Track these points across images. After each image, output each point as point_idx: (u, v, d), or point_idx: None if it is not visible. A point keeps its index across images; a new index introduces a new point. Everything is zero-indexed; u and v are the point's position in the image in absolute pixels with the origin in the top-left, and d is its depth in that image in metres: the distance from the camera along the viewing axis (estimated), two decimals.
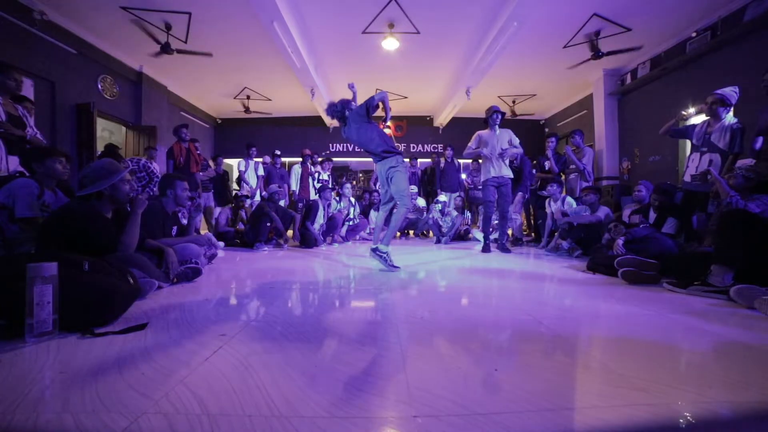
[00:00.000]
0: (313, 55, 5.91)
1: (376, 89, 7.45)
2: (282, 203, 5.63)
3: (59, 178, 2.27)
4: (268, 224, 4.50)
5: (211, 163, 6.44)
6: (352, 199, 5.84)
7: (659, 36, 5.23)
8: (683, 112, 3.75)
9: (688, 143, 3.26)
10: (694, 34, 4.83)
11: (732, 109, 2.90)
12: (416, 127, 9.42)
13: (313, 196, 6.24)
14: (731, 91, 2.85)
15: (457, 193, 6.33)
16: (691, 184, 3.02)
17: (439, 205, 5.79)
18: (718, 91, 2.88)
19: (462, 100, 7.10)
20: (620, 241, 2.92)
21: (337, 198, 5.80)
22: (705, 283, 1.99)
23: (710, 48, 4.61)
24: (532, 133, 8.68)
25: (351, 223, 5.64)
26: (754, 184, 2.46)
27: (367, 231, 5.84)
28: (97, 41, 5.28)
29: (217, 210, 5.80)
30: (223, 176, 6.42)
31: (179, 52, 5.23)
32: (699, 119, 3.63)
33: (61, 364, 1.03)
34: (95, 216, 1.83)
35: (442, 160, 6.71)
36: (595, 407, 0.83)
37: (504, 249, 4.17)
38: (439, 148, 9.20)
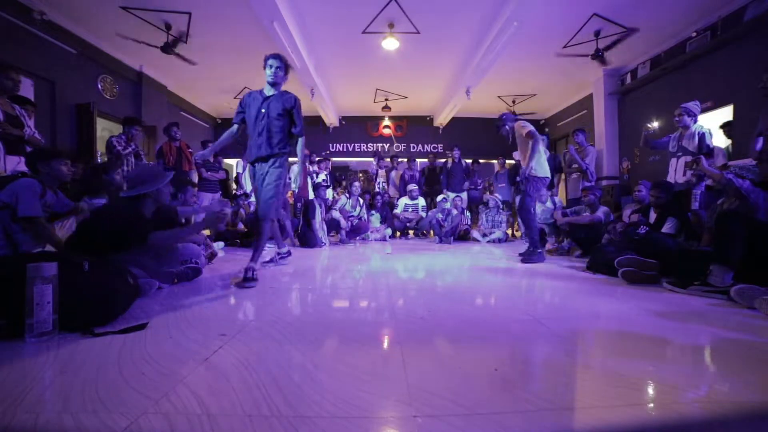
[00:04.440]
0: (313, 55, 5.90)
1: (376, 89, 7.48)
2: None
3: (63, 180, 2.28)
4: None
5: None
6: (361, 200, 5.84)
7: (659, 36, 5.22)
8: (648, 125, 4.20)
9: None
10: (694, 34, 4.82)
11: (697, 118, 3.40)
12: (416, 126, 9.42)
13: (312, 195, 6.23)
14: (693, 105, 3.40)
15: (456, 194, 6.31)
16: (676, 185, 3.39)
17: (448, 203, 5.77)
18: (683, 105, 3.39)
19: (462, 99, 7.08)
20: (619, 227, 3.23)
21: (347, 195, 5.84)
22: (705, 283, 1.99)
23: (710, 48, 4.60)
24: None
25: (354, 220, 5.62)
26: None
27: (370, 231, 5.83)
28: (97, 41, 5.26)
29: None
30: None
31: (174, 54, 5.20)
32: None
33: (61, 363, 1.03)
34: (138, 217, 1.94)
35: (450, 160, 6.67)
36: (595, 407, 0.83)
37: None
38: (439, 147, 9.20)
